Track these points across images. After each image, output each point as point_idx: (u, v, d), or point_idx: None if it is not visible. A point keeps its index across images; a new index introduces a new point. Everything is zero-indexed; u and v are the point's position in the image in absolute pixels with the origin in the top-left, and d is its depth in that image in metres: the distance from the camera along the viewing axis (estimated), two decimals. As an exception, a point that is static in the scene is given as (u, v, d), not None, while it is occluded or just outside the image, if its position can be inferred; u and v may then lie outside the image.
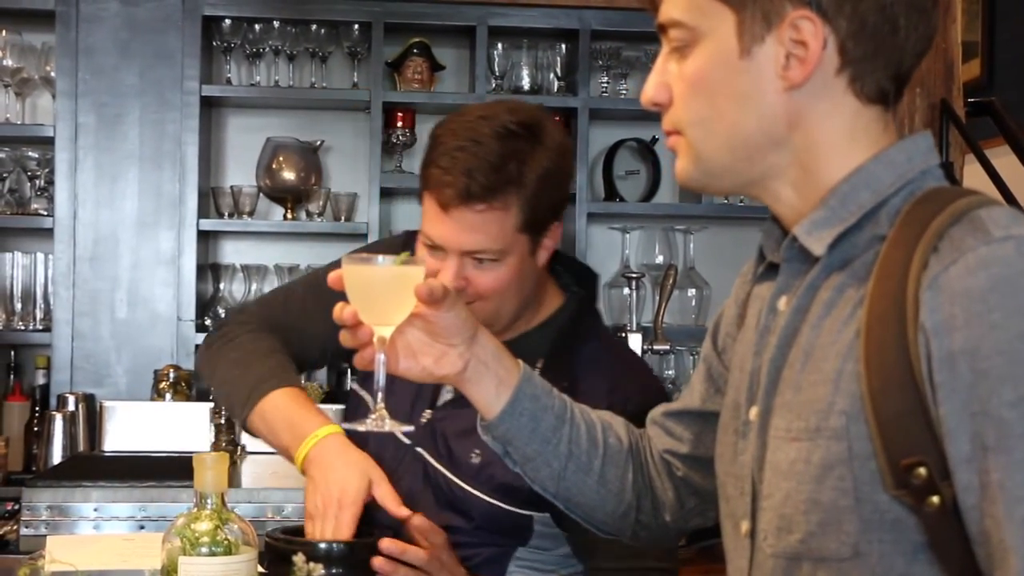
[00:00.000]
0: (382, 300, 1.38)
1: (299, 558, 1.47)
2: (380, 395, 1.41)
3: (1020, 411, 1.02)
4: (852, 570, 1.12)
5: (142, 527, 3.08)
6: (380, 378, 1.40)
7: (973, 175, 3.57)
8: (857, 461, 1.11)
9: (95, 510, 3.09)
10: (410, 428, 1.50)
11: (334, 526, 1.76)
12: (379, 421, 1.40)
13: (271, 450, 3.63)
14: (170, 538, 1.41)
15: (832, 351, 1.16)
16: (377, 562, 1.74)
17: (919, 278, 1.09)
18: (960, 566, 1.08)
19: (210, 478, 1.42)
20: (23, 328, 3.99)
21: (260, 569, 1.49)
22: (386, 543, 1.74)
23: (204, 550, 1.38)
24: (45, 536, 2.53)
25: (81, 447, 3.72)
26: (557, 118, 3.83)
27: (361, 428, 1.42)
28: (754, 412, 1.25)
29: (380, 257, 1.38)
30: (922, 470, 1.07)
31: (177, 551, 1.39)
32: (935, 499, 1.07)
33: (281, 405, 1.92)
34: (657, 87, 1.26)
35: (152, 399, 3.80)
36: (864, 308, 1.13)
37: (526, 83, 4.17)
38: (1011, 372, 1.03)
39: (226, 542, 1.39)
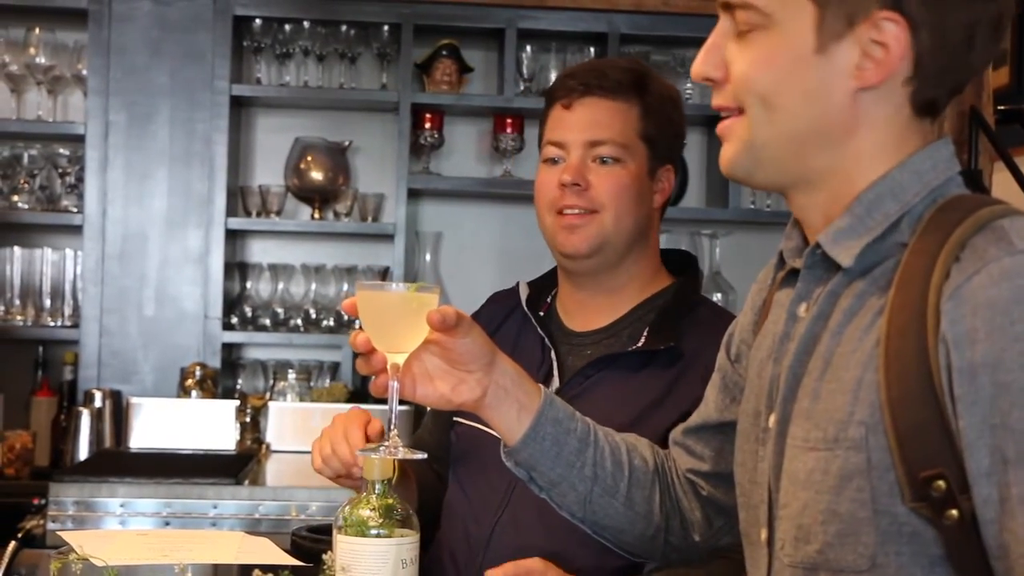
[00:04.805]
0: (395, 327, 1.38)
1: (328, 557, 1.48)
2: (394, 422, 1.42)
3: None
4: None
5: (167, 523, 3.10)
6: (393, 405, 1.41)
7: (1002, 183, 3.55)
8: (875, 472, 1.10)
9: (121, 506, 3.11)
10: (422, 455, 1.47)
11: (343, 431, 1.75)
12: (392, 448, 1.41)
13: (296, 449, 3.69)
14: (338, 524, 1.49)
15: (852, 360, 1.15)
16: None
17: (940, 288, 1.08)
18: None
19: (377, 465, 1.47)
20: (51, 324, 4.02)
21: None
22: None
23: (373, 532, 1.45)
24: (70, 531, 2.54)
25: (107, 443, 3.75)
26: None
27: (375, 456, 1.43)
28: (773, 419, 1.24)
29: (393, 284, 1.39)
30: (941, 483, 1.06)
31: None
32: (954, 512, 1.06)
33: None
34: (714, 64, 1.23)
35: (178, 396, 3.82)
36: (884, 317, 1.12)
37: (554, 86, 4.17)
38: None
39: (389, 525, 1.45)
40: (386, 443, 1.42)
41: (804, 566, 1.17)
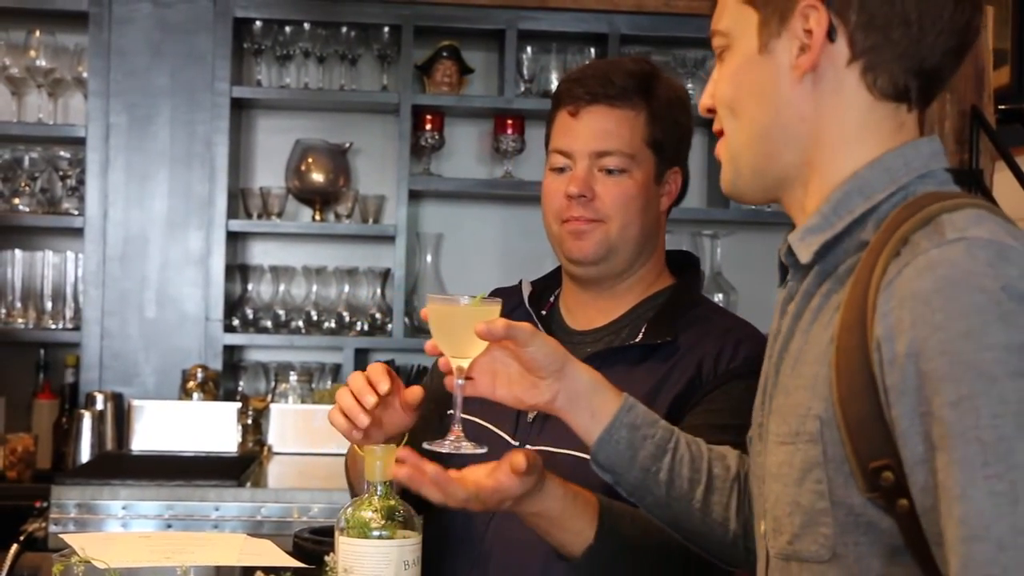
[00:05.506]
0: (458, 335, 1.49)
1: (330, 558, 1.48)
2: (458, 416, 1.51)
3: (960, 411, 1.02)
4: (831, 572, 1.15)
5: (169, 526, 3.10)
6: (458, 403, 1.52)
7: (1003, 182, 3.55)
8: (831, 464, 1.14)
9: (123, 508, 3.11)
10: (483, 450, 1.52)
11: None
12: (456, 443, 1.50)
13: (298, 451, 3.69)
14: (340, 526, 1.51)
15: (812, 356, 1.19)
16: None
17: (879, 284, 1.10)
18: (938, 568, 1.08)
19: (379, 467, 1.51)
20: (53, 327, 4.02)
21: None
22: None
23: (375, 534, 1.48)
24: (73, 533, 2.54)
25: (109, 446, 3.75)
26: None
27: (441, 450, 1.49)
28: (764, 415, 1.29)
29: (461, 297, 1.52)
30: (888, 474, 1.09)
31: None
32: (904, 502, 1.08)
33: None
34: (709, 94, 1.32)
35: (180, 398, 3.82)
36: (839, 314, 1.16)
37: (555, 87, 4.17)
38: (952, 372, 1.03)
39: (391, 526, 1.48)
40: (451, 438, 1.50)
41: (781, 557, 1.21)
